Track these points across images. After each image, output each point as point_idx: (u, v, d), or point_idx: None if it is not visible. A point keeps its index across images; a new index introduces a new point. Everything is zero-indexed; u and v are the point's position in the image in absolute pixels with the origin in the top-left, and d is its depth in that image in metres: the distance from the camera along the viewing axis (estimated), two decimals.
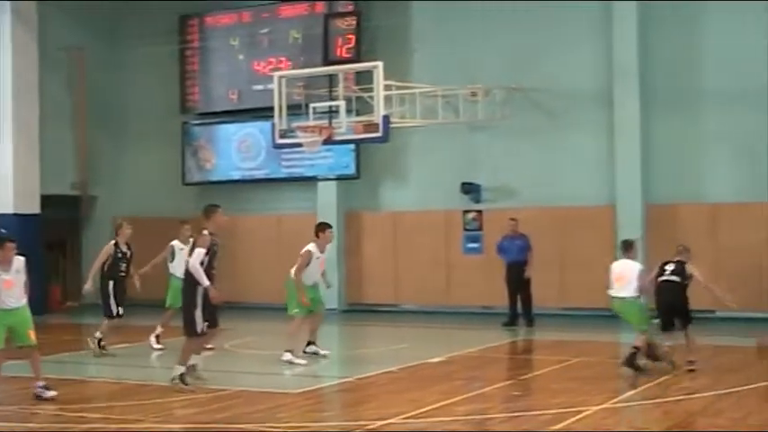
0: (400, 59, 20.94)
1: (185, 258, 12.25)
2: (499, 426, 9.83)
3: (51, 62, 24.22)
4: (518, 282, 18.60)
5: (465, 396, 11.42)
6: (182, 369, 11.80)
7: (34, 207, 23.29)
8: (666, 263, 13.47)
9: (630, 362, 12.76)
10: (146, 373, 13.34)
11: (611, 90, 20.43)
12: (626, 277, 13.18)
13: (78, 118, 25.16)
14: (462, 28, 21.34)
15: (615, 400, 10.92)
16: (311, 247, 14.23)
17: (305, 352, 14.25)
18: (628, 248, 13.49)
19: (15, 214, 22.82)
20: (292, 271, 14.15)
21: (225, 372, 13.34)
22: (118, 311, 14.99)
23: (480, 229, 21.82)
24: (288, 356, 13.81)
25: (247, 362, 14.74)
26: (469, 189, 21.70)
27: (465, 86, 20.30)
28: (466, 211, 21.97)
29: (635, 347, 12.87)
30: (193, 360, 12.11)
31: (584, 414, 10.03)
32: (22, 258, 11.54)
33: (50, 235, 23.99)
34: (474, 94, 20.55)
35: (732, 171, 19.71)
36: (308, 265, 14.09)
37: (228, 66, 24.53)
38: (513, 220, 18.93)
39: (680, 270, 13.23)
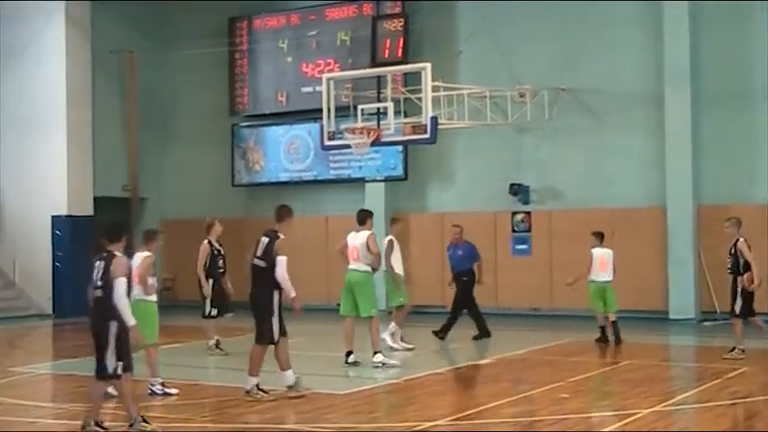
0: (447, 61, 20.92)
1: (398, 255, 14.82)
2: (548, 428, 9.77)
3: (102, 65, 24.55)
4: (460, 292, 17.12)
5: (512, 398, 11.37)
6: (255, 380, 11.18)
7: (87, 209, 23.60)
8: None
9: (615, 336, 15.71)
10: (195, 373, 13.44)
11: (661, 91, 20.24)
12: (607, 264, 15.86)
13: (129, 120, 25.45)
14: (509, 29, 21.28)
15: (666, 402, 10.80)
16: (392, 237, 14.78)
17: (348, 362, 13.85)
18: (603, 238, 16.09)
19: (69, 216, 23.17)
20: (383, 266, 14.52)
21: (274, 373, 13.41)
22: (210, 312, 14.93)
23: (529, 230, 21.74)
24: (379, 358, 13.67)
25: (296, 363, 14.77)
26: (518, 190, 21.62)
27: (512, 87, 20.25)
28: (514, 213, 21.89)
29: (614, 321, 15.79)
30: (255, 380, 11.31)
31: (635, 417, 9.94)
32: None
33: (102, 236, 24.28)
34: (522, 96, 20.49)
35: None
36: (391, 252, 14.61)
37: (277, 68, 24.67)
38: (456, 226, 17.42)
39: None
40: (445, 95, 19.53)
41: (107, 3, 24.34)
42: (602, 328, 15.96)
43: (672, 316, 19.86)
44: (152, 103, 26.15)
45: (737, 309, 13.95)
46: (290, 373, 11.37)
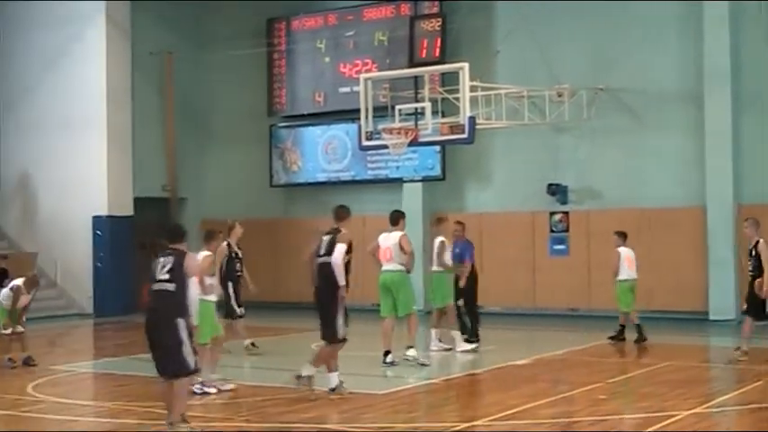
0: (485, 60, 20.87)
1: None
2: (586, 429, 9.73)
3: (142, 66, 24.75)
4: (467, 289, 16.02)
5: (550, 399, 11.34)
6: (313, 370, 11.31)
7: (127, 209, 23.82)
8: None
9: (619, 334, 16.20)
10: (232, 372, 13.51)
11: (700, 90, 20.07)
12: (633, 262, 16.24)
13: (168, 121, 25.64)
14: (547, 28, 21.20)
15: (707, 404, 10.72)
16: (443, 237, 15.24)
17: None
18: (626, 238, 16.49)
19: (109, 216, 23.40)
20: (435, 266, 15.18)
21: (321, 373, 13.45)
22: (237, 312, 15.00)
23: (567, 230, 21.65)
24: (413, 352, 13.83)
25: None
26: (556, 190, 21.53)
27: (550, 87, 20.17)
28: (552, 213, 21.81)
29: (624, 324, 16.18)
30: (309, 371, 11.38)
31: (674, 419, 9.87)
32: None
33: (142, 236, 24.49)
34: (560, 95, 20.41)
35: None
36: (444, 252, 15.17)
37: (314, 68, 24.74)
38: (457, 223, 16.34)
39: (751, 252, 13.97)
40: (483, 95, 19.49)
41: (147, 4, 24.55)
42: (639, 327, 16.04)
43: (712, 317, 19.68)
44: (191, 104, 26.32)
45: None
46: (334, 375, 11.43)
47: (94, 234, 23.51)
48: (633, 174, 20.97)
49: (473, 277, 16.17)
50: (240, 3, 25.47)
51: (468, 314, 16.41)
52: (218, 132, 26.65)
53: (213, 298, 11.84)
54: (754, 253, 13.76)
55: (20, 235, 24.85)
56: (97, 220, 23.46)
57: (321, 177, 24.75)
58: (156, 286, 9.24)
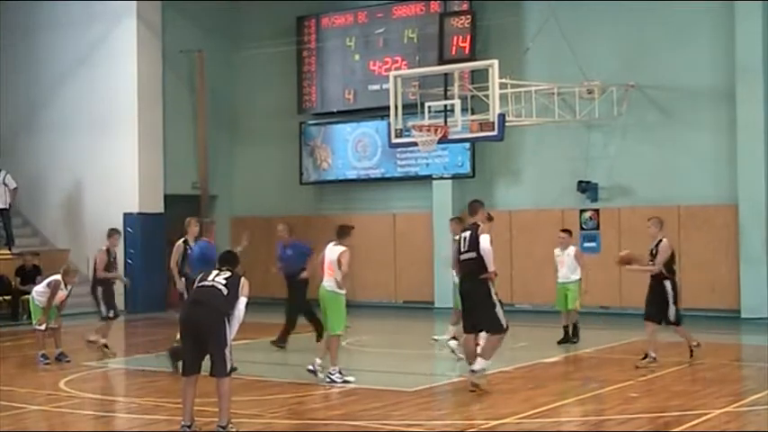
0: (515, 57, 20.80)
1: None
2: (616, 428, 9.69)
3: (172, 64, 24.88)
4: (292, 297, 15.64)
5: (580, 397, 11.31)
6: (487, 363, 11.47)
7: (158, 206, 23.96)
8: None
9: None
10: (262, 369, 13.58)
11: (732, 86, 19.92)
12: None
13: (199, 119, 25.75)
14: (577, 24, 21.09)
15: (739, 403, 10.65)
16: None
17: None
18: (571, 235, 16.53)
19: (140, 213, 23.56)
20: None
21: (342, 369, 13.47)
22: None
23: (597, 228, 21.56)
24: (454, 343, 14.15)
25: (363, 360, 14.85)
26: (586, 187, 21.44)
27: (581, 84, 20.09)
28: (582, 210, 21.72)
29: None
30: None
31: (705, 417, 9.82)
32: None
33: (172, 233, 24.60)
34: (590, 92, 20.34)
35: None
36: None
37: (344, 66, 24.76)
38: (284, 224, 16.07)
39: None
40: (513, 92, 19.44)
41: (177, 3, 24.67)
42: (576, 326, 16.33)
43: (744, 315, 19.54)
44: (221, 102, 26.42)
45: (672, 315, 13.56)
46: (481, 360, 11.52)
47: (125, 231, 23.63)
48: (664, 171, 20.84)
49: (305, 281, 15.41)
50: (270, 1, 25.54)
51: (293, 318, 15.64)
52: (249, 130, 26.75)
53: (344, 291, 12.32)
54: (655, 253, 13.55)
55: (52, 232, 25.07)
56: (128, 218, 23.60)
57: (351, 175, 24.78)
58: (207, 284, 9.45)
